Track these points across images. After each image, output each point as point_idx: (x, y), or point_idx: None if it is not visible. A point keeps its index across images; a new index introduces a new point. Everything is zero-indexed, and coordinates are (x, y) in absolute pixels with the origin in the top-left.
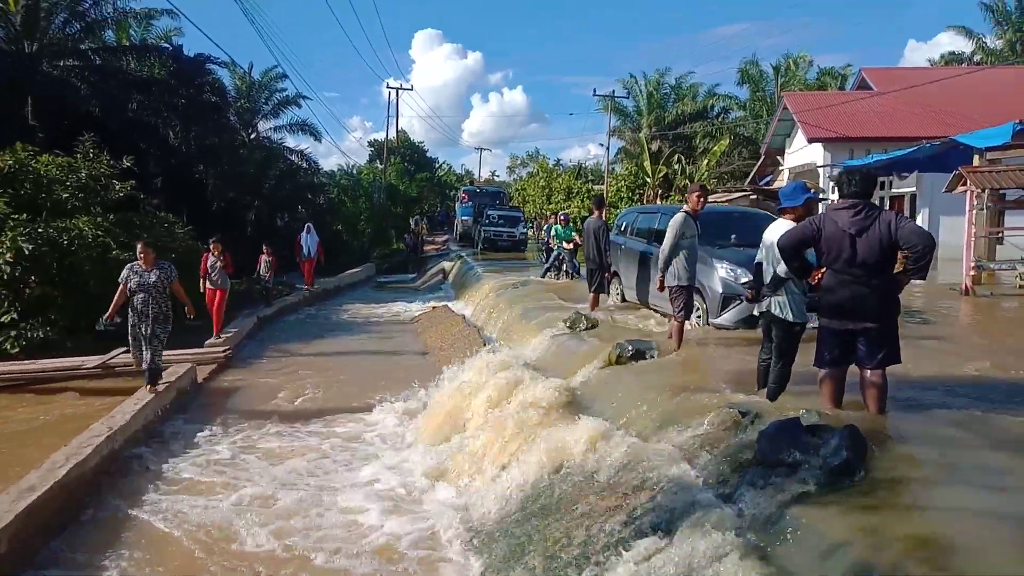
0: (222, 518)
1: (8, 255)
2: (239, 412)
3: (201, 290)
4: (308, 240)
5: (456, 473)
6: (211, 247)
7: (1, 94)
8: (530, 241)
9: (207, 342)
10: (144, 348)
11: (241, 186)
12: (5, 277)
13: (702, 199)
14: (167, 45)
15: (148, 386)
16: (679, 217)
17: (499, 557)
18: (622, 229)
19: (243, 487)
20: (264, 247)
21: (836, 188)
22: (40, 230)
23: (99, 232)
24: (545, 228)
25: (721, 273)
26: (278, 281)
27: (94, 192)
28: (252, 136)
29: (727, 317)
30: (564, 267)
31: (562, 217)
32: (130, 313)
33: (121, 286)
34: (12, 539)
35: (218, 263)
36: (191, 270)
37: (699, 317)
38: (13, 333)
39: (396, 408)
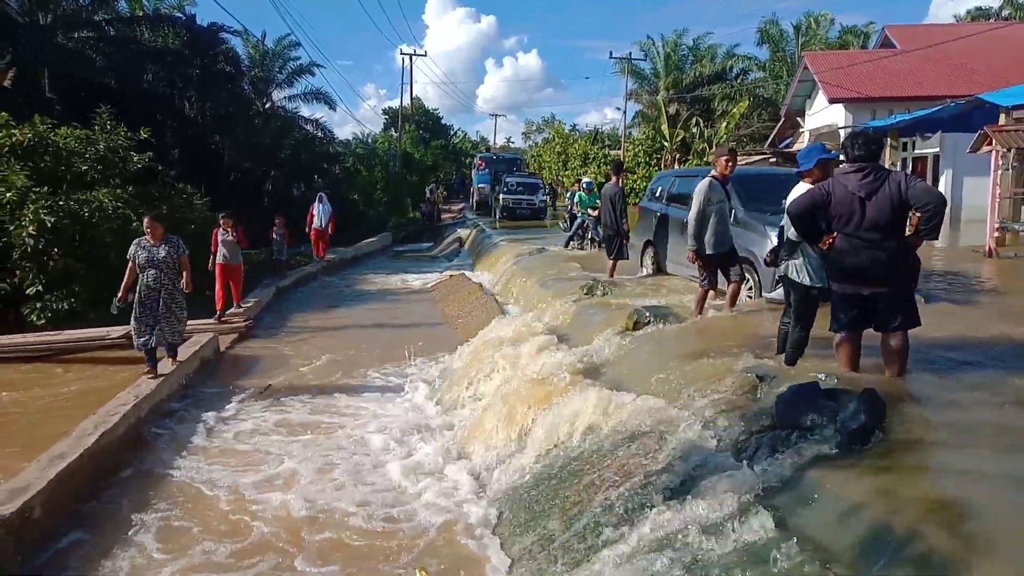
0: (251, 482)
1: (31, 228)
2: (262, 380)
3: (209, 267)
4: (321, 210)
5: (474, 438)
6: (221, 222)
7: (18, 67)
8: (549, 208)
9: (229, 311)
10: (161, 325)
11: (257, 156)
12: (29, 250)
13: (731, 163)
14: (180, 15)
15: (171, 359)
16: (705, 182)
17: (517, 523)
18: (656, 195)
19: (268, 454)
20: (276, 218)
21: (842, 152)
22: (61, 203)
23: (119, 204)
24: (569, 195)
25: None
26: (294, 252)
27: (113, 164)
28: (267, 105)
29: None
30: (589, 235)
31: (585, 185)
32: (139, 290)
33: (130, 263)
34: (44, 504)
35: (230, 237)
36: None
37: (751, 290)
38: (38, 305)
39: (416, 376)
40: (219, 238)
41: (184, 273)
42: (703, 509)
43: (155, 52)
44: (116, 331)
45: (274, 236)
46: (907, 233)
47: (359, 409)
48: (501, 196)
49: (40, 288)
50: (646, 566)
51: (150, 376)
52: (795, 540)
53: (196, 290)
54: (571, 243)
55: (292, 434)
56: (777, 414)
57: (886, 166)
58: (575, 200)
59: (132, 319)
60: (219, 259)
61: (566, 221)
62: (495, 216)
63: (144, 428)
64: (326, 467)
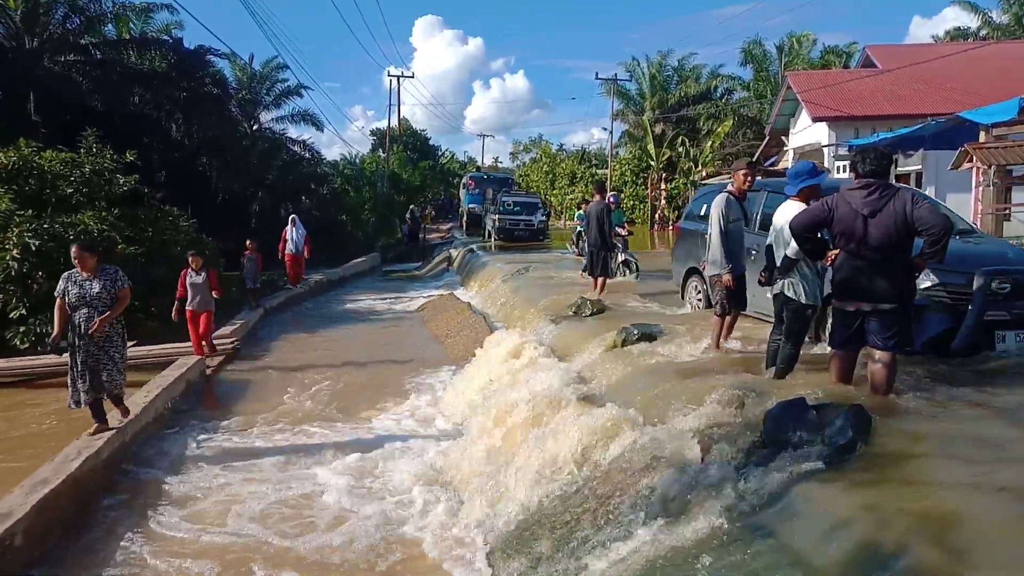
0: (234, 512)
1: (15, 251)
2: (247, 404)
3: (174, 316)
4: (295, 234)
5: (462, 463)
6: (189, 260)
7: (3, 90)
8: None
9: (215, 334)
10: (97, 375)
11: (244, 178)
12: (13, 273)
13: (749, 178)
14: (167, 38)
15: (119, 411)
16: (722, 198)
17: (507, 542)
18: (703, 214)
19: (253, 479)
20: (248, 243)
21: (851, 168)
22: (46, 226)
23: (104, 227)
24: (579, 216)
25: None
26: (265, 279)
27: (98, 187)
28: (254, 127)
29: None
30: (619, 259)
31: (611, 199)
32: (69, 334)
33: (58, 300)
34: (26, 532)
35: (199, 279)
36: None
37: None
38: (22, 328)
39: (406, 401)
40: (187, 280)
41: (120, 308)
42: (689, 527)
43: (142, 75)
44: None
45: (244, 262)
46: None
47: (344, 432)
48: (497, 216)
49: (24, 311)
50: None
51: (100, 432)
52: (781, 557)
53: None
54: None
55: (274, 456)
56: (765, 430)
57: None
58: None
59: (69, 366)
60: (188, 305)
61: (573, 243)
62: (489, 238)
63: (129, 453)
64: (309, 494)
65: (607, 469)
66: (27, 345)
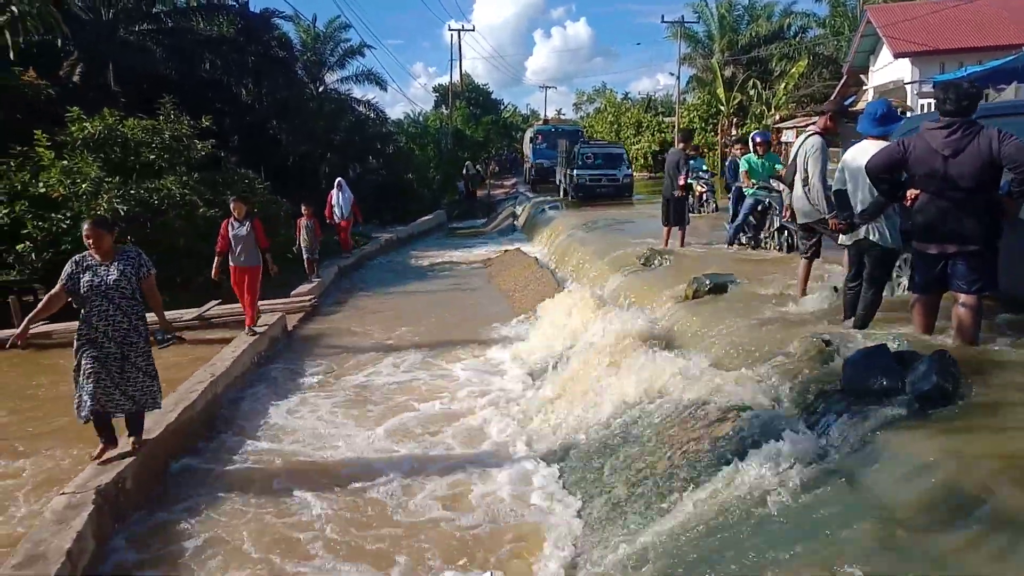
0: (310, 455)
1: (106, 216)
2: (330, 356)
3: (215, 274)
4: (341, 199)
5: (544, 406)
6: (232, 207)
7: (85, 63)
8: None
9: (294, 292)
10: (116, 385)
11: (313, 140)
12: None
13: (834, 120)
14: (233, 3)
15: (131, 440)
16: (819, 140)
17: (584, 485)
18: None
19: (340, 427)
20: (303, 208)
21: (936, 107)
22: (132, 191)
23: (186, 191)
24: (728, 164)
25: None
26: (355, 232)
27: (178, 152)
28: (320, 89)
29: None
30: (775, 224)
31: (757, 137)
32: (79, 327)
33: (58, 286)
34: (135, 476)
35: (243, 230)
36: (272, 225)
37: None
38: None
39: (479, 349)
40: (228, 232)
41: (153, 305)
42: (764, 472)
43: (211, 41)
44: (188, 313)
45: (302, 231)
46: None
47: (428, 381)
48: (575, 172)
49: None
50: (709, 528)
51: (104, 456)
52: (858, 501)
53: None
54: (738, 239)
55: (363, 403)
56: (844, 377)
57: None
58: (739, 169)
59: (74, 368)
60: (232, 260)
61: (694, 202)
62: (564, 195)
63: (221, 404)
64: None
65: (681, 414)
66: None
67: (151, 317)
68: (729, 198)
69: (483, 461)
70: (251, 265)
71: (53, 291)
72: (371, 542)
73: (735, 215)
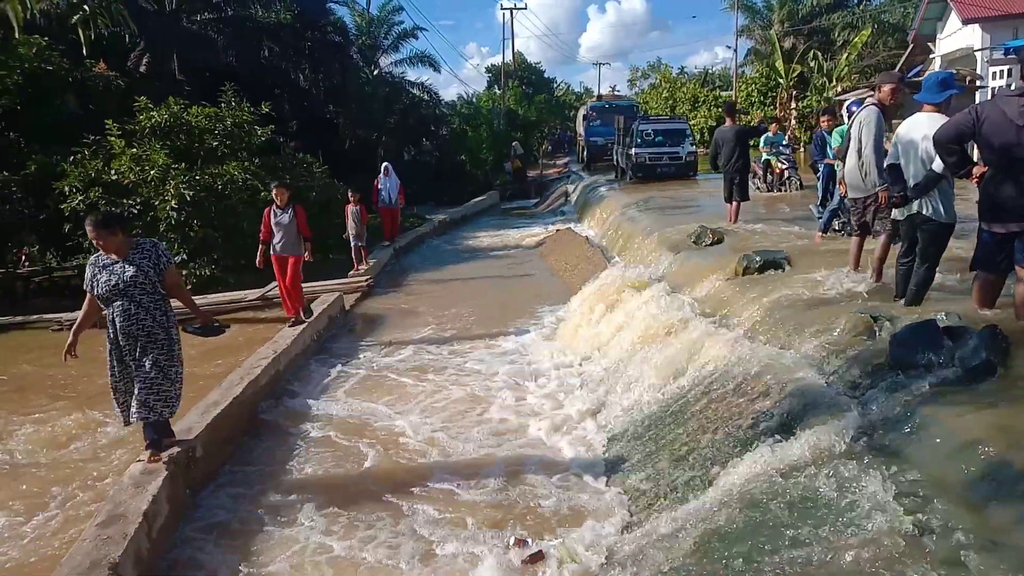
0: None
1: (173, 202)
2: (386, 334)
3: (259, 263)
4: (387, 183)
5: (591, 382)
6: (274, 193)
7: (151, 53)
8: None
9: (350, 273)
10: (135, 387)
11: (368, 123)
12: (172, 222)
13: (895, 93)
14: None
15: (148, 455)
16: (874, 112)
17: (630, 457)
18: None
19: (396, 398)
20: (350, 194)
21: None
22: (197, 177)
23: (247, 176)
24: (815, 138)
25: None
26: (407, 213)
27: (239, 139)
28: (375, 72)
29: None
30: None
31: (853, 106)
32: (108, 330)
33: (88, 294)
34: (204, 445)
35: (286, 218)
36: (330, 209)
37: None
38: (184, 272)
39: (533, 325)
40: (271, 219)
41: (183, 301)
42: (809, 446)
43: (269, 28)
44: (252, 293)
45: (349, 217)
46: None
47: (483, 356)
48: (633, 150)
49: (184, 256)
50: (752, 500)
51: (154, 460)
52: (904, 474)
53: (312, 250)
54: (835, 223)
55: (421, 380)
56: (891, 352)
57: None
58: (828, 145)
59: (108, 374)
60: (273, 249)
61: (759, 176)
62: (623, 176)
63: (283, 379)
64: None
65: (728, 388)
66: (189, 287)
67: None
68: (818, 177)
69: (531, 440)
70: (293, 254)
71: (88, 297)
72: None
73: (825, 197)
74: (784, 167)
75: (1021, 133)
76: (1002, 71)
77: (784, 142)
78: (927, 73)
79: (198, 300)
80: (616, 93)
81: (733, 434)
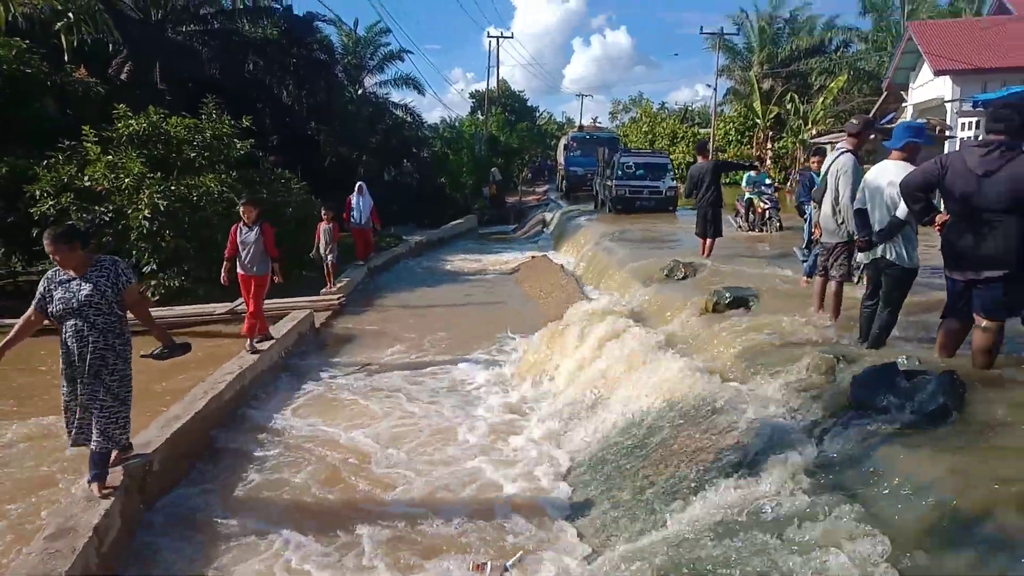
0: (345, 440)
1: (146, 211)
2: (355, 354)
3: (223, 279)
4: (361, 203)
5: (553, 413)
6: (242, 209)
7: (134, 61)
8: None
9: (322, 291)
10: (91, 415)
11: (350, 142)
12: (145, 231)
13: (863, 136)
14: (277, 6)
15: (97, 487)
16: (851, 159)
17: (590, 490)
18: None
19: (359, 421)
20: (323, 211)
21: (985, 125)
22: (173, 188)
23: (224, 188)
24: (801, 179)
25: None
26: (384, 233)
27: (218, 151)
28: (359, 92)
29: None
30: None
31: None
32: (61, 348)
33: (31, 308)
34: (163, 460)
35: (252, 236)
36: (307, 225)
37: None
38: (153, 283)
39: (501, 354)
40: (237, 236)
41: (143, 321)
42: (768, 484)
43: (255, 43)
44: (220, 307)
45: (321, 235)
46: None
47: (450, 381)
48: (614, 183)
49: (155, 267)
50: (712, 535)
51: (103, 491)
52: (859, 515)
53: (286, 265)
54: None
55: (386, 403)
56: (852, 394)
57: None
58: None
59: (62, 396)
60: (239, 267)
61: (741, 215)
62: (602, 207)
63: (247, 395)
64: (411, 430)
65: (691, 422)
66: (157, 298)
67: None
68: (804, 219)
69: (488, 465)
70: (259, 274)
71: (26, 313)
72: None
73: (811, 240)
74: (766, 207)
75: (981, 183)
76: (971, 122)
77: (767, 182)
78: (899, 120)
79: (165, 312)
80: (598, 125)
81: (695, 468)
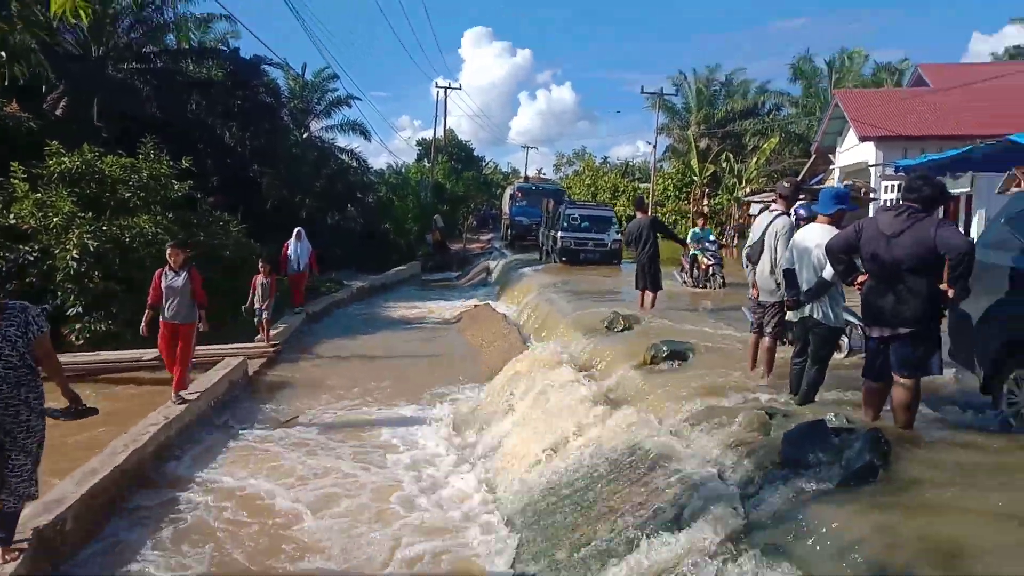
0: (265, 498)
1: (74, 251)
2: (288, 404)
3: (143, 330)
4: (298, 248)
5: (492, 468)
6: (168, 253)
7: (70, 97)
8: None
9: (257, 338)
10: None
11: (294, 185)
12: (71, 272)
13: (788, 201)
14: (224, 48)
15: (2, 551)
16: (788, 221)
17: (529, 547)
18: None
19: (284, 472)
20: (260, 264)
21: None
22: (104, 228)
23: (159, 230)
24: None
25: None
26: (324, 278)
27: (154, 191)
28: (305, 136)
29: None
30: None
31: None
32: None
33: None
34: (76, 518)
35: (179, 281)
36: (246, 269)
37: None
38: (78, 326)
39: (439, 407)
40: (161, 282)
41: (52, 374)
42: (699, 540)
43: (199, 83)
44: (149, 353)
45: (257, 289)
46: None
47: (383, 435)
48: (560, 234)
49: (80, 310)
50: None
51: (8, 555)
52: (788, 573)
53: (221, 310)
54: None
55: (306, 456)
56: (783, 451)
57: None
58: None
59: None
60: (163, 315)
61: (685, 270)
62: (547, 258)
63: (173, 448)
64: (340, 490)
65: (626, 479)
66: (81, 342)
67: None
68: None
69: (425, 525)
70: (186, 322)
71: None
72: None
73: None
74: (710, 263)
75: (890, 243)
76: (893, 185)
77: (711, 238)
78: (827, 182)
79: (91, 358)
80: (542, 176)
81: (631, 525)
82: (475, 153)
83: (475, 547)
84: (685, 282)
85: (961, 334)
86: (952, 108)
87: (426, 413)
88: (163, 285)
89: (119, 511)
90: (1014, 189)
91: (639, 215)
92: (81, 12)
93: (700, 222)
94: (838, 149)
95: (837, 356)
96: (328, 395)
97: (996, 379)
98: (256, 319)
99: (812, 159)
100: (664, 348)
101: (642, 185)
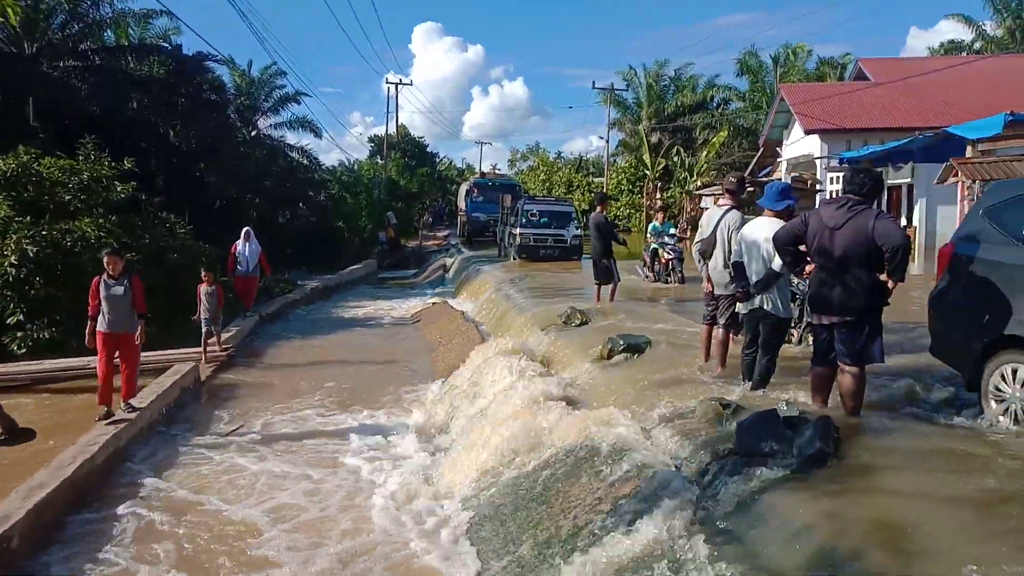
0: (219, 510)
1: (13, 258)
2: (242, 410)
3: (88, 341)
4: (247, 249)
5: (453, 463)
6: (106, 261)
7: (2, 96)
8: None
9: (211, 339)
10: None
11: (242, 184)
12: (10, 279)
13: (734, 195)
14: (166, 44)
15: None
16: (739, 215)
17: (490, 543)
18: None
19: (239, 482)
20: (203, 273)
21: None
22: (44, 232)
23: (101, 233)
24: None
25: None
26: (277, 278)
27: (96, 194)
28: (253, 133)
29: None
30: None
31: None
32: None
33: None
34: (24, 532)
35: (119, 290)
36: (191, 273)
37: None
38: (19, 334)
39: (396, 406)
40: (100, 290)
41: None
42: (657, 532)
43: (140, 81)
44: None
45: (202, 299)
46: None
47: (339, 436)
48: (519, 231)
49: (21, 317)
50: None
51: None
52: (743, 561)
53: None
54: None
55: (261, 459)
56: (737, 441)
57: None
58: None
59: None
60: (100, 324)
61: (647, 264)
62: (506, 255)
63: (124, 458)
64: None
65: (585, 473)
66: (24, 351)
67: None
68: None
69: (384, 528)
70: (130, 331)
71: None
72: None
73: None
74: (670, 257)
75: (833, 234)
76: (838, 176)
77: (672, 232)
78: (775, 175)
79: (34, 367)
80: (498, 172)
81: (592, 519)
82: (429, 149)
83: (432, 556)
84: (647, 276)
85: (944, 330)
86: (892, 101)
87: (385, 415)
88: (102, 294)
89: (67, 526)
90: (952, 179)
91: (600, 209)
92: (9, 11)
93: (660, 216)
94: (785, 142)
95: (787, 346)
96: (283, 399)
97: (980, 375)
98: (202, 335)
99: (760, 152)
100: (621, 342)
101: (596, 179)
